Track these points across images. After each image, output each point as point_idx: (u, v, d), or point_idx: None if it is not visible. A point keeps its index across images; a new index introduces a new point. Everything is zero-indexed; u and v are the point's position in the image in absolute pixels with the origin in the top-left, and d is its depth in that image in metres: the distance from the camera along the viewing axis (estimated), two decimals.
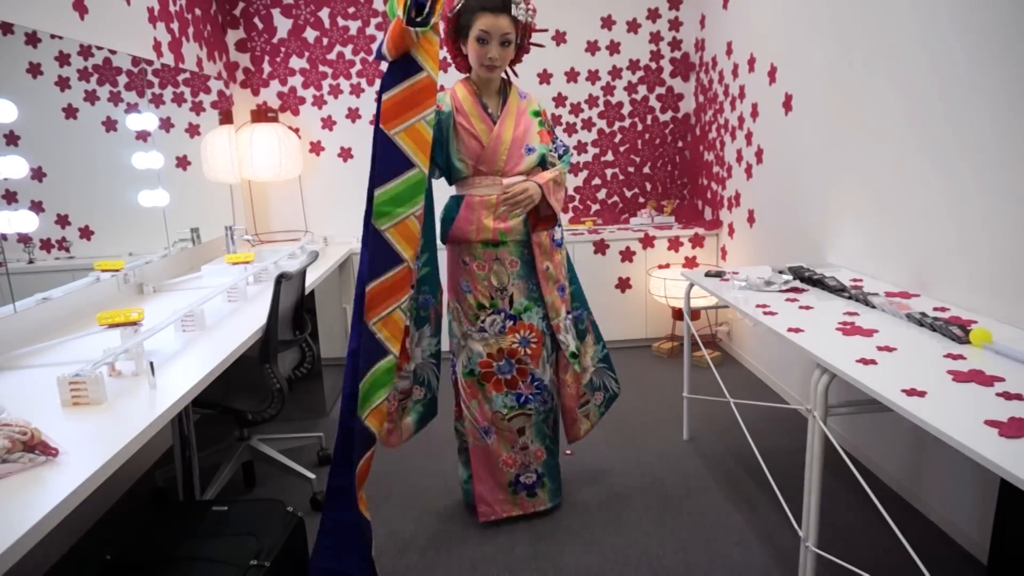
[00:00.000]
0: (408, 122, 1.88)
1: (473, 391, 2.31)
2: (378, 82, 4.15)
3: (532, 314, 2.30)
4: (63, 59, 2.38)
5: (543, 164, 2.30)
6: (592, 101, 4.32)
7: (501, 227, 2.23)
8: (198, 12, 3.56)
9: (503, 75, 2.26)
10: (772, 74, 3.19)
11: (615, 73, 4.30)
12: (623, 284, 4.13)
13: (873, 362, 1.60)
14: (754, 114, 3.43)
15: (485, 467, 2.35)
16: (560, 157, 2.36)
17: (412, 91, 1.88)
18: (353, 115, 4.18)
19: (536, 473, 2.39)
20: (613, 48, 4.26)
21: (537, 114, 2.29)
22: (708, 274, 2.60)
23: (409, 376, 2.28)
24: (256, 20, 4.03)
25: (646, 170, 4.45)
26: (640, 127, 4.39)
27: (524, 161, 2.24)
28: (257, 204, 4.24)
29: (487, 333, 2.28)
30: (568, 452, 2.71)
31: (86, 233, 2.51)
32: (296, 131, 4.14)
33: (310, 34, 4.06)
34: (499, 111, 2.23)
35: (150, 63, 2.96)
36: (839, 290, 2.23)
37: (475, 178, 2.24)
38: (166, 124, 3.13)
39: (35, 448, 1.26)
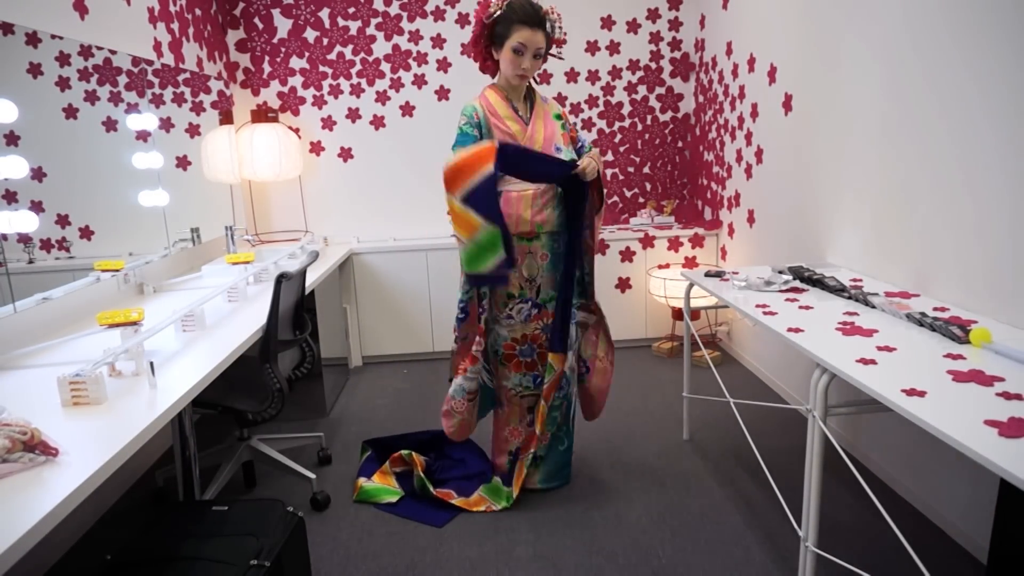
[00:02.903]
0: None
1: (495, 368, 2.53)
2: (378, 82, 4.16)
3: (556, 304, 2.44)
4: (63, 59, 2.38)
5: None
6: (592, 101, 4.32)
7: (538, 219, 2.38)
8: (198, 12, 3.56)
9: (528, 81, 2.42)
10: (772, 74, 3.19)
11: (615, 73, 4.30)
12: (623, 284, 4.13)
13: (873, 362, 1.60)
14: (754, 114, 3.43)
15: (495, 432, 2.61)
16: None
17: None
18: (353, 115, 4.18)
19: (534, 453, 2.50)
20: (613, 48, 4.26)
21: (559, 117, 2.44)
22: (708, 274, 2.60)
23: (475, 377, 2.45)
24: (256, 20, 4.03)
25: (646, 170, 4.45)
26: (640, 127, 4.39)
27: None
28: (257, 204, 4.25)
29: (513, 320, 2.45)
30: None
31: (86, 233, 2.51)
32: (296, 131, 4.14)
33: (310, 34, 4.06)
34: (528, 113, 2.40)
35: (150, 63, 2.96)
36: (839, 290, 2.23)
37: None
38: (166, 124, 3.13)
39: (35, 448, 1.26)
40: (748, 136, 3.52)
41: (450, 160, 2.20)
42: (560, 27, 2.32)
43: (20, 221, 2.19)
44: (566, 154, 2.37)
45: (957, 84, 2.00)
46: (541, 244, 2.42)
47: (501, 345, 2.47)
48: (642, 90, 4.34)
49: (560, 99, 4.28)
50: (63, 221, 2.41)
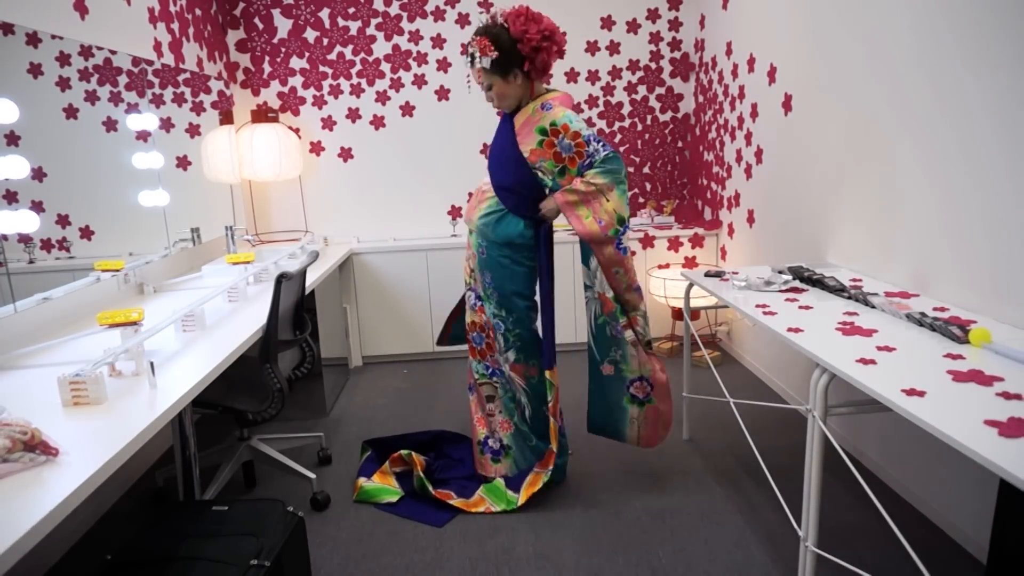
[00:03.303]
0: None
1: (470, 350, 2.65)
2: (378, 82, 4.16)
3: (488, 305, 2.52)
4: (64, 59, 2.38)
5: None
6: (592, 101, 4.32)
7: (471, 215, 2.50)
8: (198, 12, 3.56)
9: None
10: (772, 74, 3.19)
11: (615, 73, 4.30)
12: None
13: (873, 362, 1.60)
14: (754, 114, 3.43)
15: (469, 421, 2.67)
16: (591, 168, 2.33)
17: None
18: (353, 115, 4.18)
19: (500, 442, 2.58)
20: (613, 48, 4.26)
21: (543, 131, 2.33)
22: (708, 274, 2.60)
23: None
24: (256, 20, 4.03)
25: (646, 170, 4.45)
26: (640, 127, 4.39)
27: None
28: (257, 204, 4.25)
29: (467, 305, 2.61)
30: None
31: (86, 233, 2.51)
32: (296, 131, 4.14)
33: (310, 34, 4.06)
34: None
35: (150, 63, 2.96)
36: (839, 290, 2.23)
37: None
38: (166, 124, 3.13)
39: (35, 448, 1.26)
40: (748, 136, 3.52)
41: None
42: (479, 56, 2.26)
43: (20, 221, 2.19)
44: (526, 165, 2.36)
45: (957, 84, 2.00)
46: (473, 240, 2.52)
47: (466, 327, 2.61)
48: (642, 90, 4.34)
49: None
50: (63, 221, 2.41)
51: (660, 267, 4.09)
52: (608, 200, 2.30)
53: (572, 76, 4.27)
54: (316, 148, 4.22)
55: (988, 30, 1.87)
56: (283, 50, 4.08)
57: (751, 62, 3.42)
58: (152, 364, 1.68)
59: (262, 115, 4.01)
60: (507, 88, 2.33)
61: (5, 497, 1.15)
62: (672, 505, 2.43)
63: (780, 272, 2.46)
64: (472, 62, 2.30)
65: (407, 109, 4.20)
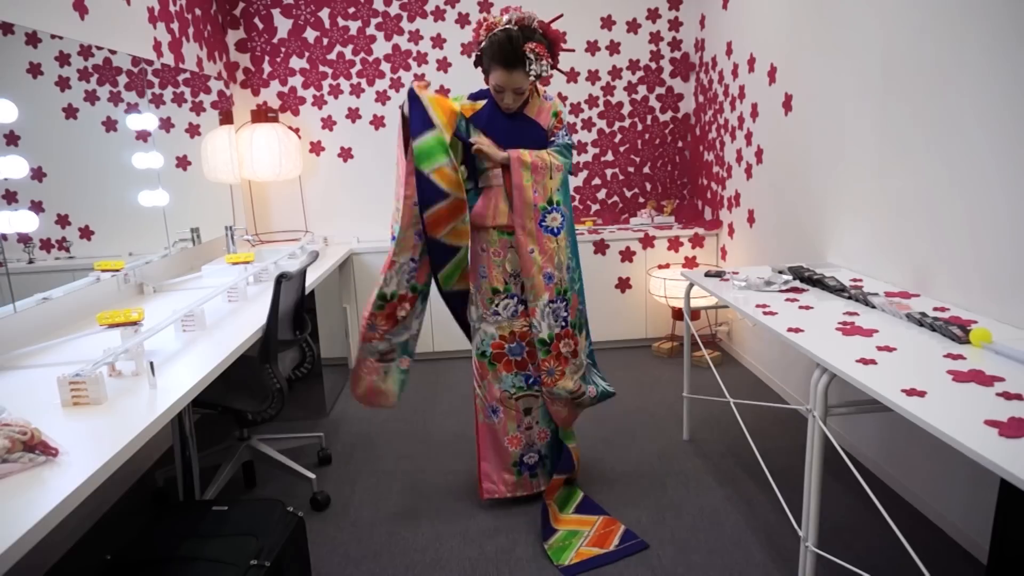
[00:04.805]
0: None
1: (484, 371, 2.42)
2: (378, 82, 4.16)
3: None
4: (63, 59, 2.38)
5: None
6: (592, 101, 4.32)
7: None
8: (198, 12, 3.56)
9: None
10: (772, 74, 3.19)
11: (615, 73, 4.30)
12: (623, 284, 4.13)
13: (873, 362, 1.60)
14: (754, 114, 3.43)
15: (491, 446, 2.45)
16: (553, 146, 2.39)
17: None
18: (353, 115, 4.18)
19: (539, 454, 2.47)
20: (613, 48, 4.26)
21: (555, 114, 2.39)
22: (708, 274, 2.60)
23: (395, 347, 2.47)
24: (256, 20, 4.03)
25: (646, 170, 4.45)
26: (640, 127, 4.39)
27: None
28: (257, 204, 4.25)
29: (500, 316, 2.39)
30: None
31: (86, 233, 2.51)
32: (296, 131, 4.14)
33: (310, 34, 4.06)
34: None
35: (150, 63, 2.96)
36: (839, 290, 2.23)
37: (492, 172, 2.36)
38: (166, 124, 3.13)
39: (35, 448, 1.26)
40: (748, 136, 3.52)
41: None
42: (546, 63, 2.19)
43: (20, 221, 2.19)
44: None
45: (958, 83, 2.00)
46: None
47: (489, 345, 2.38)
48: (642, 90, 4.34)
49: (560, 99, 4.28)
50: (63, 221, 2.41)
51: (660, 267, 4.09)
52: (551, 179, 2.32)
53: (572, 76, 4.27)
54: (316, 148, 4.22)
55: (987, 29, 1.87)
56: (283, 50, 4.07)
57: (751, 62, 3.41)
58: (152, 364, 1.67)
59: (262, 115, 4.01)
60: (528, 88, 2.29)
61: (5, 497, 1.15)
62: (672, 505, 2.43)
63: (780, 272, 2.46)
64: (530, 70, 2.17)
65: None
